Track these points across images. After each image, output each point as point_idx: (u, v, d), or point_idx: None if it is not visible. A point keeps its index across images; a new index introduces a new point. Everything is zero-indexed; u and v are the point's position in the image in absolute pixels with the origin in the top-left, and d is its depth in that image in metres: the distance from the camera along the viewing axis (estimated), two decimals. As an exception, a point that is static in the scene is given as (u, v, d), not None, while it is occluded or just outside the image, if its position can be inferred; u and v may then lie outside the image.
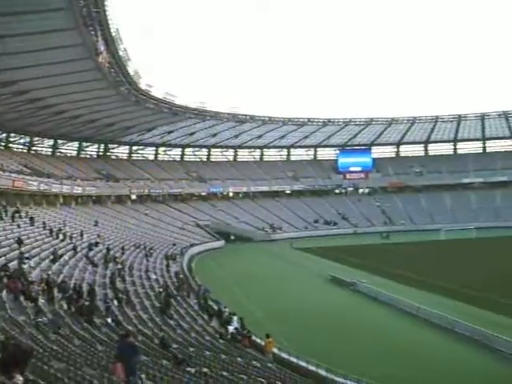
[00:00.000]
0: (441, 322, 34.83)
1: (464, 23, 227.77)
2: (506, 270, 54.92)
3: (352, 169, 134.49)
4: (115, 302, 33.83)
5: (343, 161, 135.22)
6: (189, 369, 20.26)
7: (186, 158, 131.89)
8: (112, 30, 55.71)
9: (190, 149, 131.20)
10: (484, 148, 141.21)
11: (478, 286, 46.55)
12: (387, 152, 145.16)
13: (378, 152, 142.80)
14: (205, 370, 20.60)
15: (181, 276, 52.37)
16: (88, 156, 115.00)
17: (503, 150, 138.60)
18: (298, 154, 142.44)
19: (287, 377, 23.26)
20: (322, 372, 25.38)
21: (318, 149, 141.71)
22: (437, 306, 38.03)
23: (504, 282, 48.22)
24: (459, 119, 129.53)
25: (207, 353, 24.48)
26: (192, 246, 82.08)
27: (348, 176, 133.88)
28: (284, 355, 28.18)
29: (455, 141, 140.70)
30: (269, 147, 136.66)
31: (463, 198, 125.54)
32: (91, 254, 51.35)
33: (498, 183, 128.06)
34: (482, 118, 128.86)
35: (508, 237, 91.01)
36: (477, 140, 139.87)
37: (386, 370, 26.83)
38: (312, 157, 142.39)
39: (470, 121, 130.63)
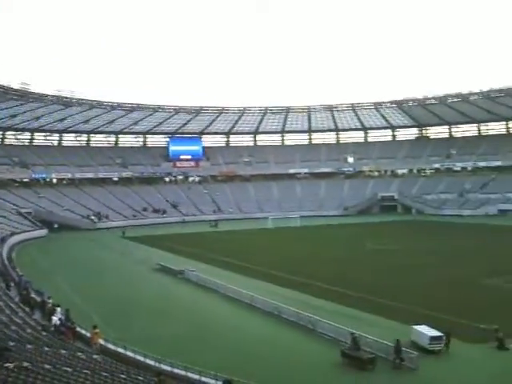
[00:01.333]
0: (267, 307, 34.81)
1: (311, 18, 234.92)
2: (328, 258, 56.82)
3: (182, 157, 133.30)
4: None
5: (174, 148, 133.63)
6: (7, 364, 17.98)
7: (7, 142, 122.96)
8: None
9: (12, 132, 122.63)
10: (310, 140, 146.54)
11: (301, 272, 47.41)
12: (218, 141, 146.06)
13: (208, 141, 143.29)
14: (25, 364, 18.53)
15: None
16: None
17: (328, 142, 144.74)
18: (127, 141, 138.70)
19: (114, 367, 21.81)
20: (150, 362, 24.11)
21: (148, 136, 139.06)
22: (263, 293, 37.99)
23: (326, 269, 49.61)
24: (287, 111, 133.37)
25: (29, 346, 22.26)
26: (12, 234, 76.44)
27: (178, 164, 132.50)
28: (111, 346, 26.59)
29: (283, 132, 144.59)
30: (96, 132, 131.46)
31: (290, 187, 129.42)
32: None
33: (322, 174, 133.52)
34: (309, 110, 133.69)
35: (331, 225, 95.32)
36: (303, 132, 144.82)
37: (208, 354, 26.19)
38: (141, 143, 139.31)
39: (297, 113, 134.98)
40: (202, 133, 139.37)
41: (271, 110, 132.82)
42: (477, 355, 25.53)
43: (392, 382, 23.03)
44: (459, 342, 26.36)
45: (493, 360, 25.11)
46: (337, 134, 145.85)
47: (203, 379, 22.15)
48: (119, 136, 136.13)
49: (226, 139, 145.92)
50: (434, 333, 25.93)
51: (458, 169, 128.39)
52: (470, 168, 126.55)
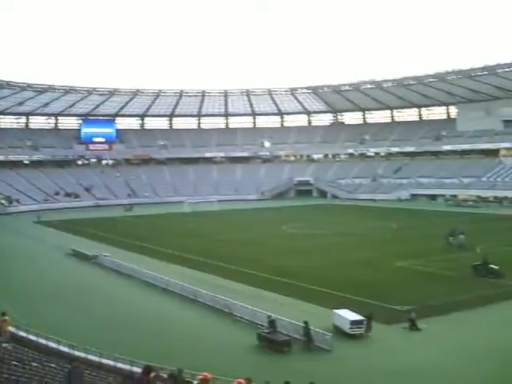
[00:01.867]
0: (183, 292, 34.20)
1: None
2: (245, 241, 56.73)
3: (95, 139, 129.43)
4: None
5: (86, 131, 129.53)
6: None
7: None
8: None
9: None
10: (226, 124, 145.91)
11: (218, 256, 46.97)
12: (132, 124, 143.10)
13: (122, 123, 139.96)
14: None
15: None
16: None
17: (244, 126, 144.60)
18: (39, 123, 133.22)
19: (25, 355, 20.63)
20: (64, 348, 23.02)
21: (60, 117, 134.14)
22: (180, 277, 37.27)
23: (243, 252, 49.44)
24: (203, 94, 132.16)
25: None
26: None
27: (91, 147, 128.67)
28: (22, 333, 25.23)
29: (199, 116, 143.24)
30: (5, 114, 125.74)
31: (206, 171, 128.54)
32: None
33: (239, 158, 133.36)
34: (226, 94, 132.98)
35: (247, 209, 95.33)
36: (220, 116, 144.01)
37: (123, 340, 25.54)
38: (53, 126, 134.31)
39: (213, 96, 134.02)
40: (116, 115, 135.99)
41: (187, 93, 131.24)
42: (389, 336, 25.84)
43: (306, 364, 22.98)
44: (373, 323, 26.52)
45: (404, 340, 25.57)
46: (253, 119, 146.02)
47: (119, 365, 21.42)
48: (30, 117, 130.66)
49: (140, 122, 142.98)
50: (355, 317, 25.90)
51: (372, 154, 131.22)
52: (383, 153, 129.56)
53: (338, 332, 25.74)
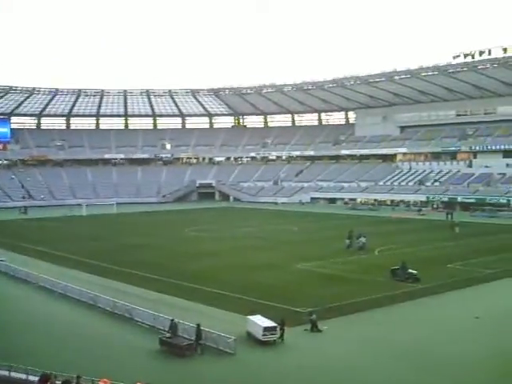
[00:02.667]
0: (81, 297, 32.77)
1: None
2: (147, 245, 55.39)
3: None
4: None
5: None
6: None
7: None
8: None
9: None
10: (126, 124, 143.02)
11: (120, 260, 45.55)
12: (28, 123, 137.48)
13: (17, 123, 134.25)
14: None
15: None
16: None
17: (144, 127, 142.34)
18: None
19: None
20: None
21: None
22: (78, 282, 35.71)
23: (146, 257, 48.23)
24: (102, 94, 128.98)
25: None
26: None
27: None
28: None
29: (98, 116, 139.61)
30: None
31: (105, 173, 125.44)
32: None
33: (139, 160, 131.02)
34: (125, 94, 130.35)
35: (148, 212, 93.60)
36: (119, 116, 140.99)
37: (19, 347, 24.14)
38: None
39: (113, 96, 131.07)
40: (11, 114, 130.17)
41: (85, 92, 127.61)
42: (291, 338, 25.52)
43: (208, 367, 22.62)
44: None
45: (305, 342, 25.51)
46: (154, 120, 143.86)
47: (13, 375, 19.96)
48: None
49: (36, 121, 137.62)
50: (268, 323, 25.24)
51: (274, 157, 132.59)
52: (284, 157, 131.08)
53: (252, 339, 25.24)
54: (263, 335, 24.75)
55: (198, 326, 24.27)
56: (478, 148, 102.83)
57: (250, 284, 36.07)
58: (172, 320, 25.24)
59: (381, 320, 28.47)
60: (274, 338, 24.89)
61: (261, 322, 25.45)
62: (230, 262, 44.56)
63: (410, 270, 35.71)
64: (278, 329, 25.06)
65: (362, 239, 49.58)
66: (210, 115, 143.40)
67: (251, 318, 26.14)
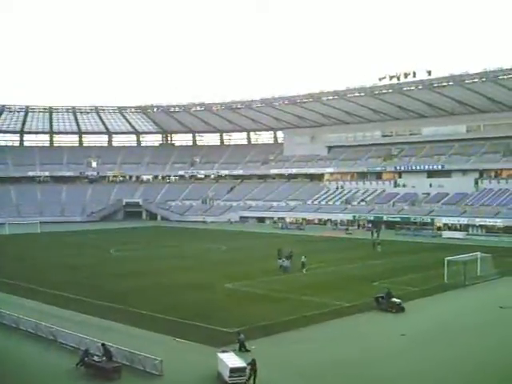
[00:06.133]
0: (4, 320, 31.19)
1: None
2: (72, 265, 53.74)
3: None
4: None
5: None
6: None
7: None
8: None
9: None
10: (51, 142, 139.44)
11: (44, 280, 43.87)
12: None
13: None
14: None
15: None
16: None
17: (70, 144, 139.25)
18: None
19: None
20: None
21: None
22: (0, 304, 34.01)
23: (71, 277, 46.69)
24: (27, 111, 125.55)
25: None
26: None
27: None
28: None
29: (22, 132, 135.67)
30: None
31: (29, 191, 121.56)
32: None
33: (64, 178, 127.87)
34: (50, 111, 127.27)
35: (74, 231, 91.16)
36: (44, 133, 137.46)
37: None
38: None
39: (38, 113, 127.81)
40: None
41: (9, 108, 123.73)
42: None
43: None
44: (205, 346, 26.23)
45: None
46: (80, 137, 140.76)
47: None
48: None
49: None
50: (237, 363, 22.61)
51: (202, 176, 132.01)
52: (213, 176, 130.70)
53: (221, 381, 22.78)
54: (230, 377, 22.14)
55: (103, 345, 23.81)
56: (402, 168, 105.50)
57: (177, 304, 35.31)
58: (103, 344, 24.33)
59: (309, 338, 28.30)
60: (242, 380, 22.19)
61: (230, 361, 22.86)
62: (156, 281, 43.59)
63: (394, 299, 34.54)
64: (246, 370, 22.30)
65: (303, 258, 49.24)
66: (138, 133, 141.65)
67: (221, 355, 23.63)
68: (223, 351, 24.37)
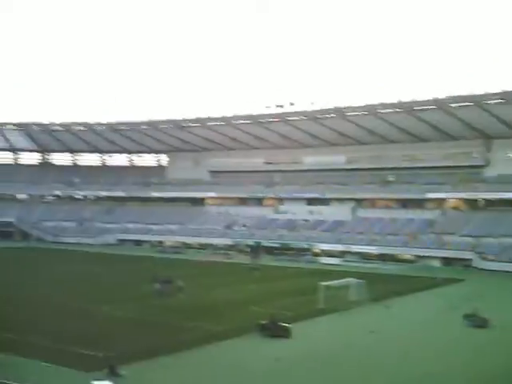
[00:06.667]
0: None
1: None
2: None
3: None
4: None
5: None
6: None
7: None
8: None
9: None
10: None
11: None
12: None
13: None
14: None
15: None
16: None
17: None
18: None
19: None
20: None
21: None
22: None
23: None
24: None
25: None
26: None
27: None
28: None
29: None
30: None
31: None
32: None
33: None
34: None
35: None
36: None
37: None
38: None
39: None
40: None
41: None
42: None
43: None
44: (74, 371, 24.94)
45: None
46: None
47: None
48: None
49: None
50: None
51: (80, 197, 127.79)
52: (92, 197, 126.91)
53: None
54: None
55: None
56: (284, 195, 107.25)
57: (48, 329, 33.07)
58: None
59: (182, 364, 27.38)
60: None
61: None
62: (26, 306, 40.85)
63: (281, 324, 33.81)
64: None
65: (180, 283, 48.13)
66: (15, 150, 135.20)
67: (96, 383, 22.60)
68: (96, 379, 23.07)
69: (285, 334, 33.17)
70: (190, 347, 30.11)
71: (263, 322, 33.89)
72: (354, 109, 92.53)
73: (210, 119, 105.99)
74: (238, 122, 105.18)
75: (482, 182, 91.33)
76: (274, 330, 33.25)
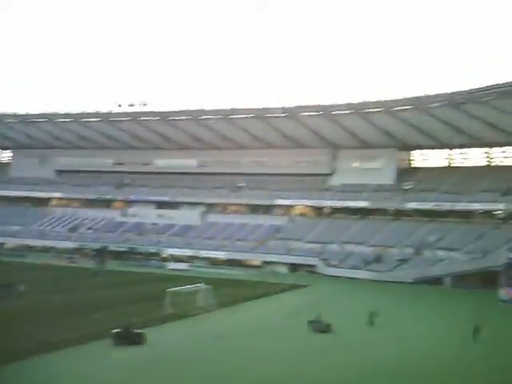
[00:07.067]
0: None
1: None
2: None
3: None
4: None
5: None
6: None
7: None
8: None
9: None
10: None
11: None
12: None
13: None
14: None
15: None
16: None
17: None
18: None
19: None
20: None
21: None
22: None
23: None
24: None
25: None
26: None
27: None
28: None
29: None
30: None
31: None
32: None
33: None
34: None
35: None
36: None
37: None
38: None
39: None
40: None
41: None
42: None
43: None
44: None
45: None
46: None
47: None
48: None
49: None
50: None
51: None
52: None
53: None
54: None
55: None
56: (133, 198, 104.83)
57: None
58: None
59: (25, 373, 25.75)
60: None
61: None
62: None
63: (136, 331, 32.51)
64: None
65: (20, 287, 45.21)
66: None
67: None
68: None
69: (140, 340, 32.18)
70: (25, 357, 28.11)
71: (117, 331, 32.39)
72: (205, 112, 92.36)
73: (57, 115, 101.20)
74: (85, 120, 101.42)
75: (328, 190, 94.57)
76: (130, 338, 32.02)
